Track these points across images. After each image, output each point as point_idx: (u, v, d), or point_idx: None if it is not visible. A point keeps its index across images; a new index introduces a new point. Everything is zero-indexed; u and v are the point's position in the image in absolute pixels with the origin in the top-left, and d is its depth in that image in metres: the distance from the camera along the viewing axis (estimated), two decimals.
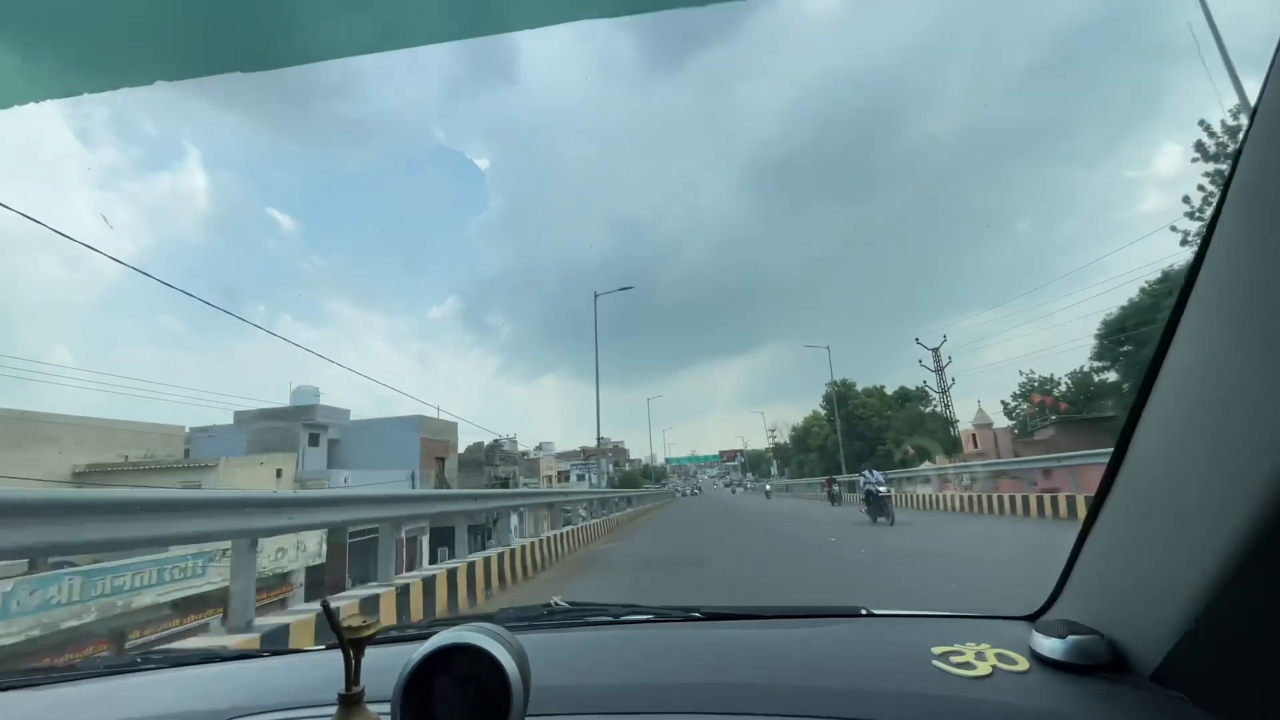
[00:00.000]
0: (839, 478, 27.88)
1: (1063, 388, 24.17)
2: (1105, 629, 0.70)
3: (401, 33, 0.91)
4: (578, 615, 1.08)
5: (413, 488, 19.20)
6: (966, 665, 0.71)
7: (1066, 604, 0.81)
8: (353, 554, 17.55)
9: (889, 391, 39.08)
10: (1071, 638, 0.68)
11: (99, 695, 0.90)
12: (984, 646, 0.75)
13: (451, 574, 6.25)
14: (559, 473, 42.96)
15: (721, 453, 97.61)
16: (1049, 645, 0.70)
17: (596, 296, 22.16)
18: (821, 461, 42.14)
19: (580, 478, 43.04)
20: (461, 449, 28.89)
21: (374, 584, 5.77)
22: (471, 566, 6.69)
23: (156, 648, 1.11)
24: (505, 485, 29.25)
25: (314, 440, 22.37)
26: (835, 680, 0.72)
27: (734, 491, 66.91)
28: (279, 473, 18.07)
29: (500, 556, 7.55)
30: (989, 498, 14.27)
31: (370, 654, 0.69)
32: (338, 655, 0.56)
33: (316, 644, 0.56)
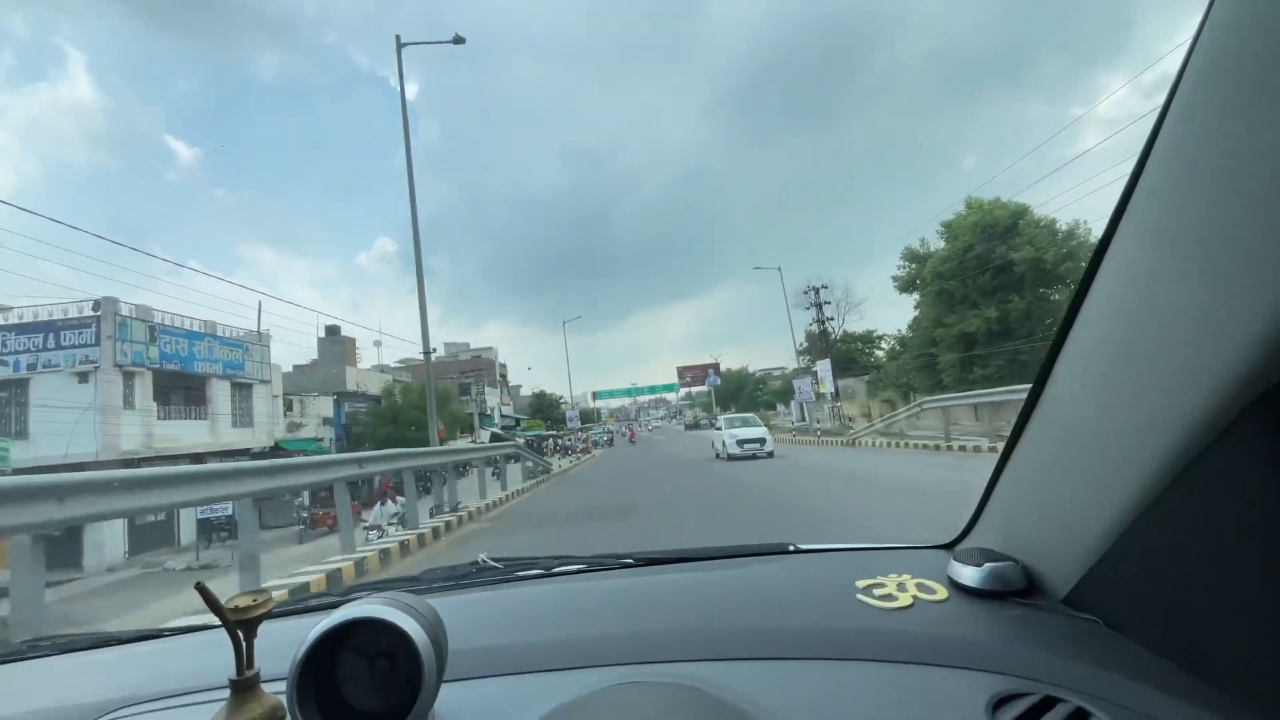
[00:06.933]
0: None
1: None
2: (1021, 556, 0.72)
3: None
4: (507, 571, 1.06)
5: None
6: (888, 597, 0.73)
7: (983, 532, 0.84)
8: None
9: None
10: (988, 565, 0.70)
11: None
12: (905, 577, 0.78)
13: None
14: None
15: (683, 370, 54.93)
16: (966, 573, 0.72)
17: (400, 45, 12.99)
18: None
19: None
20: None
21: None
22: None
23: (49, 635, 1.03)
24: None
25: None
26: (763, 619, 0.73)
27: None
28: None
29: None
30: None
31: (278, 629, 0.65)
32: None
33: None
